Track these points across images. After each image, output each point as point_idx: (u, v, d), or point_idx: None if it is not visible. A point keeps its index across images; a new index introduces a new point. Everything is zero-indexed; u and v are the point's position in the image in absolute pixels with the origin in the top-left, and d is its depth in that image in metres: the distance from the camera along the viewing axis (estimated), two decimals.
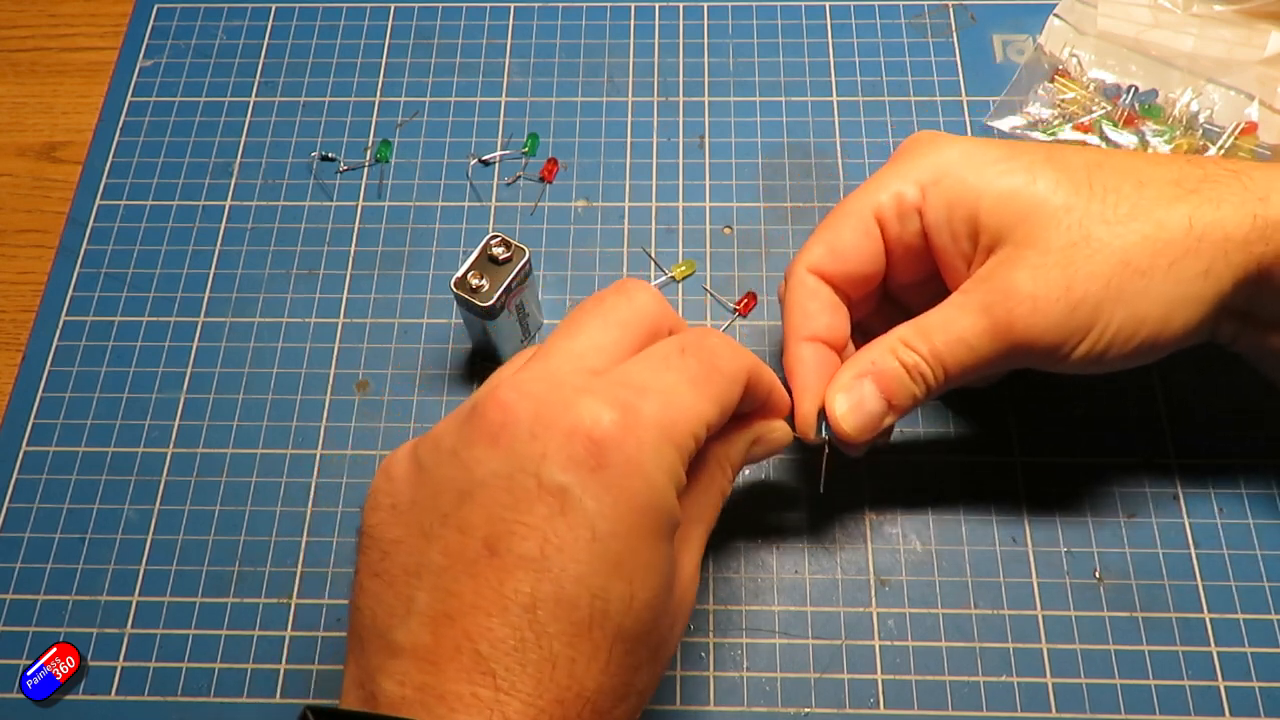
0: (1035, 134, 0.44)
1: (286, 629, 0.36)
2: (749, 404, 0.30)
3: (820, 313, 0.33)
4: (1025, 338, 0.30)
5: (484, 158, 0.45)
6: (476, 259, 0.36)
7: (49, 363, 0.41)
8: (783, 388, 0.32)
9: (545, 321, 0.42)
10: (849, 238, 0.33)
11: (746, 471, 0.38)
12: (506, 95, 0.47)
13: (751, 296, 0.42)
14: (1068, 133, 0.44)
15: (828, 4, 0.49)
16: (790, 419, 0.32)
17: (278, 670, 0.36)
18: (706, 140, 0.46)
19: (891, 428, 0.33)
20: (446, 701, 0.22)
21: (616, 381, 0.26)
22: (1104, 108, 0.44)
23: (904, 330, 0.32)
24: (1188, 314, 0.30)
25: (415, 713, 0.22)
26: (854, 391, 0.31)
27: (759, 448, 0.31)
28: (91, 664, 0.36)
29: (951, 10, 0.48)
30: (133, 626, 0.36)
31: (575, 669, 0.23)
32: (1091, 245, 0.30)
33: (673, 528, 0.25)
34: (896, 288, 0.36)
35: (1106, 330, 0.30)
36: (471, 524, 0.24)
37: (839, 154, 0.45)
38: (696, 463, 0.28)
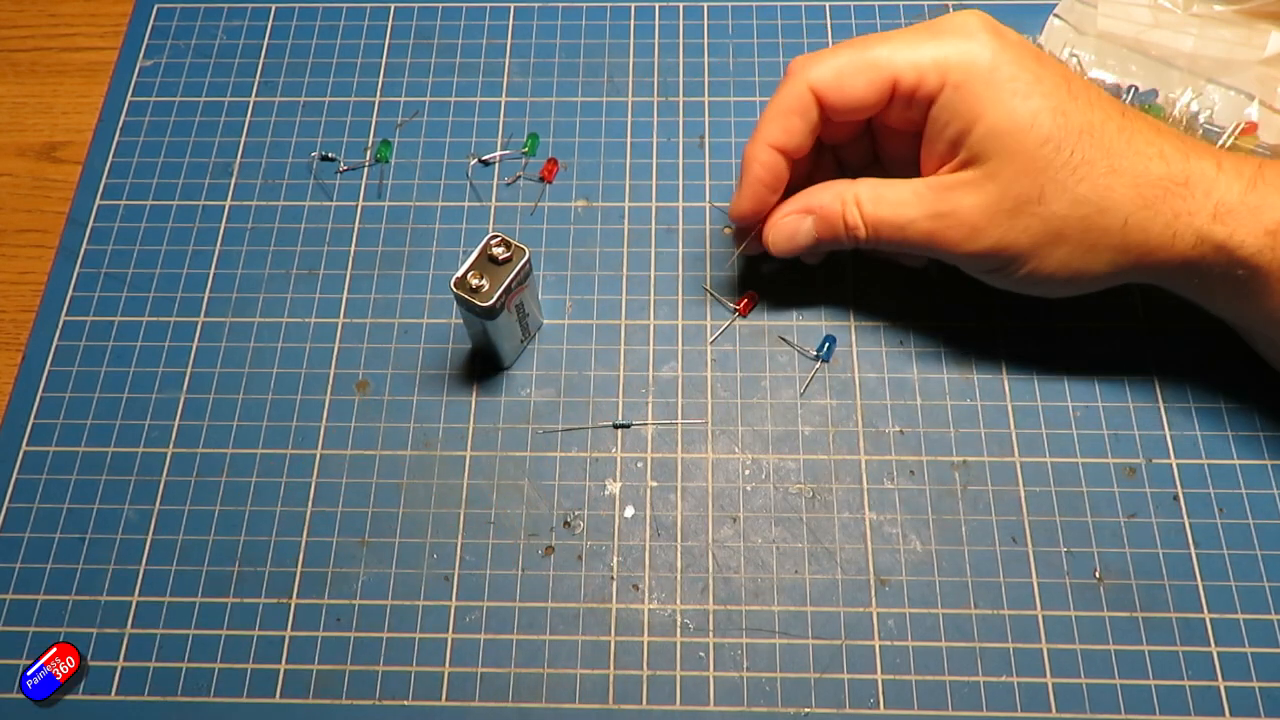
0: None
1: (286, 629, 0.36)
2: None
3: (795, 130, 0.35)
4: (949, 253, 0.35)
5: (484, 158, 0.45)
6: (476, 259, 0.36)
7: (49, 363, 0.41)
8: None
9: (545, 321, 0.42)
10: (859, 84, 0.34)
11: (750, 472, 0.38)
12: (506, 95, 0.47)
13: (752, 296, 0.42)
14: None
15: (828, 4, 0.49)
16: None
17: (277, 670, 0.36)
18: (706, 140, 0.46)
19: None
20: None
21: None
22: None
23: (862, 191, 0.36)
24: (1091, 286, 0.35)
25: None
26: (794, 222, 0.37)
27: None
28: (91, 664, 0.36)
29: (951, 10, 0.48)
30: (133, 626, 0.36)
31: None
32: (1040, 206, 0.33)
33: None
34: (837, 130, 0.37)
35: (1016, 267, 0.34)
36: None
37: None
38: None
